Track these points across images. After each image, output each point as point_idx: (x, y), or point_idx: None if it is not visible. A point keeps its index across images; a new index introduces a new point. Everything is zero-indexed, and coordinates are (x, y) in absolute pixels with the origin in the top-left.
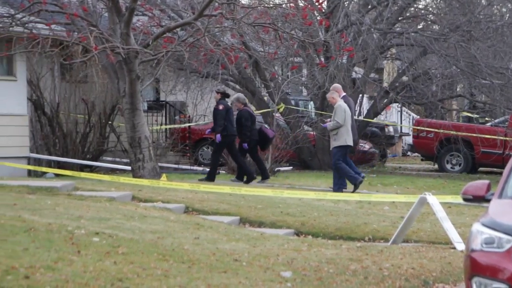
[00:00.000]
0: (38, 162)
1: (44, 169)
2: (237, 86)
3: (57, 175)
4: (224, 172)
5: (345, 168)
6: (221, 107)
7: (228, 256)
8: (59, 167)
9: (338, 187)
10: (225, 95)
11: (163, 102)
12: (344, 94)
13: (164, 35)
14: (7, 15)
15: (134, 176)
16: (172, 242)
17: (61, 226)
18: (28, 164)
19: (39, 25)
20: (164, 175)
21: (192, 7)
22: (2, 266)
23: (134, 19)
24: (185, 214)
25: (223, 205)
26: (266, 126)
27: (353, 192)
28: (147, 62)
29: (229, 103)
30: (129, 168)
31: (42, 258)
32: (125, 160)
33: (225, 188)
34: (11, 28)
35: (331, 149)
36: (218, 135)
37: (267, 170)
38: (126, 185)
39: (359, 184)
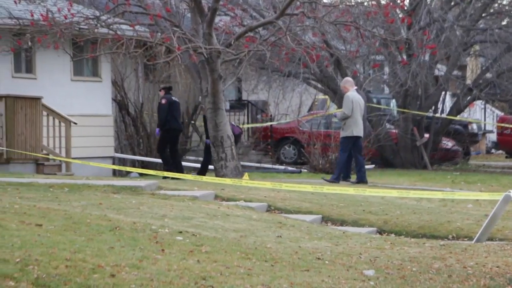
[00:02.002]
0: (122, 162)
1: (128, 168)
2: (319, 85)
3: (141, 175)
4: (305, 170)
5: (343, 162)
6: (163, 101)
7: (310, 255)
8: (143, 167)
9: (336, 177)
10: (168, 90)
11: (245, 101)
12: (356, 87)
13: (246, 34)
14: (93, 16)
15: (216, 175)
16: (255, 240)
17: (145, 225)
18: (113, 163)
19: (124, 26)
20: (246, 174)
21: (274, 6)
22: (88, 265)
23: (217, 19)
24: (267, 212)
25: (305, 204)
26: (233, 123)
27: (325, 180)
28: (229, 61)
29: (173, 98)
30: (211, 167)
31: (127, 257)
32: None
33: (307, 187)
34: (96, 30)
35: (340, 137)
36: (157, 129)
37: (205, 171)
38: (208, 184)
39: (333, 182)
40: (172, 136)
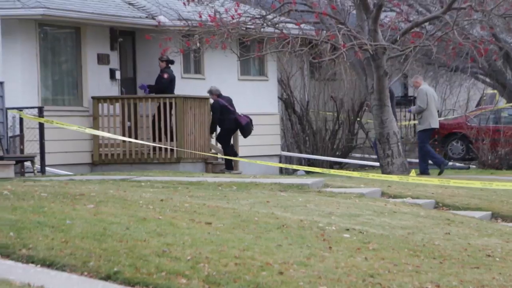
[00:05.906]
0: (289, 160)
1: (295, 166)
2: (487, 79)
3: (307, 173)
4: (474, 166)
5: (431, 151)
6: (166, 75)
7: (480, 252)
8: (309, 165)
9: (423, 170)
10: (169, 63)
11: (411, 97)
12: (425, 82)
13: (412, 30)
14: (259, 16)
15: (383, 172)
16: (423, 237)
17: (312, 222)
18: (280, 162)
19: (289, 25)
20: (413, 170)
21: (441, 1)
22: (257, 262)
23: (382, 15)
24: (435, 209)
25: (474, 200)
26: (240, 114)
27: (439, 175)
28: (395, 57)
29: (173, 72)
30: (377, 164)
31: (295, 254)
32: (373, 157)
33: (476, 183)
34: (262, 29)
35: (417, 132)
36: (147, 89)
37: (231, 162)
38: (375, 181)
39: (444, 168)
40: None
